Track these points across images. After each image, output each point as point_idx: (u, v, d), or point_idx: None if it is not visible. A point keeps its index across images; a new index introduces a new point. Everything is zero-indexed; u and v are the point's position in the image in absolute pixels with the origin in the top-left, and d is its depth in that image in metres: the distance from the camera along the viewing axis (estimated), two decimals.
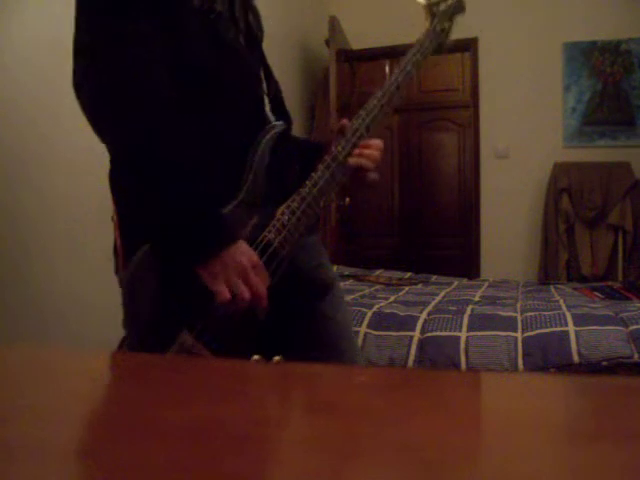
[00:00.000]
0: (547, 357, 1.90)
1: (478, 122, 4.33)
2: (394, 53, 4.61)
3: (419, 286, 3.19)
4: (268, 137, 0.97)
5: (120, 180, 0.89)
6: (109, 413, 0.37)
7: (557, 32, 4.08)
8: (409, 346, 2.02)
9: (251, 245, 0.90)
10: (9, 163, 1.78)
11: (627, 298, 2.57)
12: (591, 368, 1.85)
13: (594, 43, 4.03)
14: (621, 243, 3.88)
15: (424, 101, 4.78)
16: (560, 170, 3.99)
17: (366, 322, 2.14)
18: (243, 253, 0.85)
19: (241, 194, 0.93)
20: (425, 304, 2.43)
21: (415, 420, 0.35)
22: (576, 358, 1.88)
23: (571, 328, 1.96)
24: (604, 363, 1.86)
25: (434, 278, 3.55)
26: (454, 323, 2.09)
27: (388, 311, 2.24)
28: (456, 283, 3.34)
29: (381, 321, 2.15)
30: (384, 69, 4.85)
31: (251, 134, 0.97)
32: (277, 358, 0.92)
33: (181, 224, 0.83)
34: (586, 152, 4.06)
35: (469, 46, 4.28)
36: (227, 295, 0.84)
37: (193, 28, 0.92)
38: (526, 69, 4.15)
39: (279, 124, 1.00)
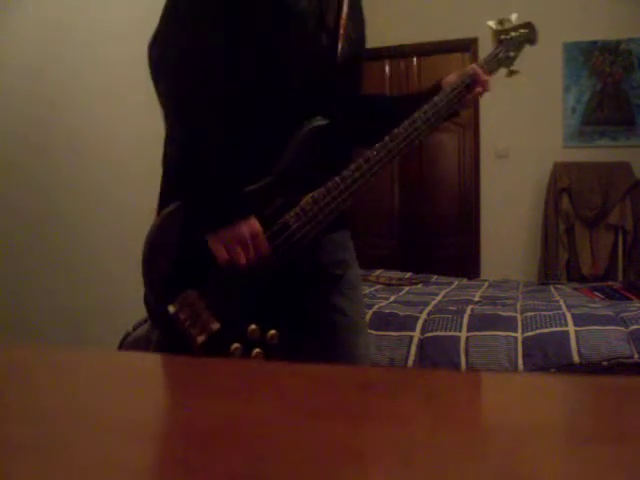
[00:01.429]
0: (547, 357, 1.90)
1: (478, 122, 4.32)
2: (394, 53, 4.61)
3: (419, 286, 3.19)
4: (307, 130, 1.04)
5: (169, 150, 1.03)
6: (106, 413, 0.37)
7: (557, 32, 4.08)
8: (409, 346, 2.03)
9: (270, 224, 1.02)
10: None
11: (627, 298, 2.57)
12: (591, 368, 1.85)
13: (594, 43, 4.03)
14: (621, 243, 3.88)
15: None
16: (560, 170, 3.99)
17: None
18: (247, 226, 0.98)
19: (269, 177, 1.02)
20: (425, 304, 2.43)
21: (414, 420, 0.35)
22: (576, 358, 1.88)
23: (571, 328, 1.96)
24: (604, 363, 1.86)
25: (434, 278, 3.55)
26: (454, 323, 2.09)
27: (388, 311, 2.24)
28: (456, 283, 3.34)
29: (381, 321, 2.15)
30: (384, 69, 4.85)
31: (295, 126, 1.04)
32: (272, 332, 0.99)
33: (203, 199, 0.98)
34: (586, 152, 4.06)
35: (469, 46, 4.28)
36: (225, 256, 0.97)
37: (270, 19, 1.00)
38: (526, 69, 4.14)
39: (320, 119, 1.05)
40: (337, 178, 1.05)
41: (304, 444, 0.31)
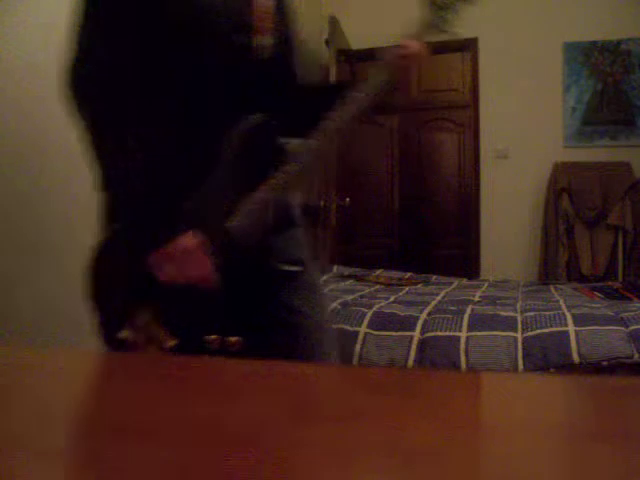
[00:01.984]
0: (547, 357, 1.90)
1: (478, 122, 4.32)
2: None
3: (419, 286, 3.19)
4: (239, 131, 1.01)
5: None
6: (106, 413, 0.37)
7: (557, 32, 4.08)
8: (409, 346, 2.02)
9: (212, 231, 0.98)
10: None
11: (627, 298, 2.57)
12: (591, 368, 1.85)
13: (594, 43, 4.03)
14: (621, 243, 3.87)
15: (424, 101, 4.78)
16: (560, 170, 3.99)
17: (366, 322, 2.14)
18: (185, 242, 0.95)
19: (205, 186, 0.99)
20: (425, 304, 2.43)
21: (414, 420, 0.35)
22: (576, 358, 1.88)
23: (571, 328, 1.96)
24: (604, 363, 1.86)
25: (434, 278, 3.55)
26: (454, 323, 2.09)
27: (388, 311, 2.24)
28: (456, 283, 3.34)
29: (381, 321, 2.15)
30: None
31: (223, 128, 1.00)
32: (233, 339, 0.98)
33: (134, 222, 0.97)
34: (586, 152, 4.06)
35: (469, 46, 4.28)
36: (166, 276, 0.95)
37: (179, 25, 0.98)
38: (526, 69, 4.15)
39: (256, 117, 1.03)
40: (277, 174, 1.01)
41: (304, 444, 0.31)
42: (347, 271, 3.59)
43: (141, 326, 0.96)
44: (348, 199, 3.81)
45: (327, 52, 3.78)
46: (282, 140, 1.13)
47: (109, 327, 0.99)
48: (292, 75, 1.18)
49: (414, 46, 1.10)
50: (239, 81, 1.04)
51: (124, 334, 0.96)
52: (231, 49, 1.03)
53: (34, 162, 1.87)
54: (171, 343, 0.97)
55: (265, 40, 1.06)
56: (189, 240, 0.96)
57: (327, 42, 3.79)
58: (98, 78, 0.97)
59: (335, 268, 3.63)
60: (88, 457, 0.30)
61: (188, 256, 0.95)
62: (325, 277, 3.34)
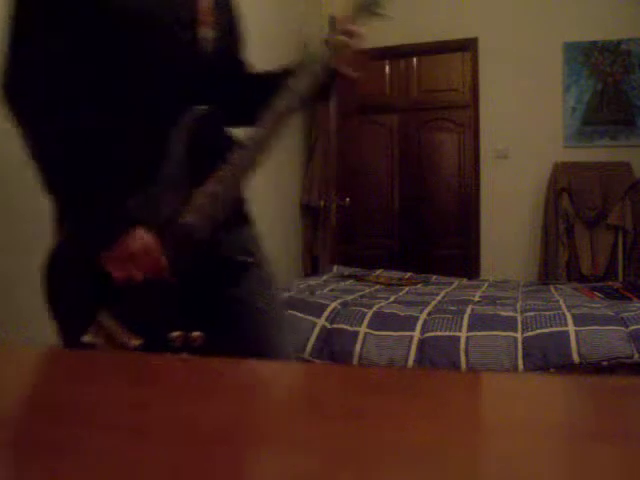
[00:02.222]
0: (547, 357, 1.90)
1: (478, 122, 4.32)
2: (394, 53, 4.61)
3: (419, 286, 3.19)
4: (185, 124, 1.00)
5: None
6: (102, 413, 0.37)
7: (557, 32, 4.08)
8: (409, 346, 2.03)
9: (166, 227, 0.98)
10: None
11: (627, 298, 2.57)
12: (591, 368, 1.85)
13: (594, 43, 4.03)
14: (621, 243, 3.87)
15: (424, 101, 4.78)
16: (560, 170, 3.99)
17: (366, 322, 2.14)
18: (136, 238, 0.95)
19: (154, 182, 0.99)
20: (425, 304, 2.43)
21: (415, 420, 0.35)
22: (576, 358, 1.88)
23: (571, 328, 1.96)
24: (604, 363, 1.86)
25: (434, 278, 3.55)
26: (454, 323, 2.09)
27: (388, 311, 2.24)
28: (456, 283, 3.34)
29: (381, 321, 2.15)
30: (384, 69, 4.85)
31: (169, 122, 0.99)
32: (195, 334, 0.97)
33: (81, 221, 0.97)
34: (586, 152, 4.06)
35: (469, 46, 4.28)
36: (121, 275, 0.94)
37: (116, 22, 0.96)
38: (526, 69, 4.15)
39: (200, 109, 1.02)
40: (225, 165, 1.01)
41: (303, 443, 0.31)
42: (347, 271, 3.59)
43: (103, 328, 0.95)
44: (348, 199, 3.81)
45: (327, 52, 3.78)
46: (229, 131, 1.13)
47: (70, 331, 0.98)
48: (236, 66, 1.18)
49: (351, 28, 1.11)
50: (183, 73, 1.04)
51: (87, 338, 0.95)
52: (174, 42, 1.02)
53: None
54: (135, 343, 0.96)
55: (208, 33, 1.05)
56: (140, 236, 0.95)
57: (327, 42, 3.79)
58: (35, 75, 0.95)
59: (335, 268, 3.63)
60: (82, 456, 0.30)
61: (140, 252, 0.95)
62: (325, 277, 3.34)
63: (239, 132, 1.09)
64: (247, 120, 1.06)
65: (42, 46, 0.95)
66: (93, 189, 0.96)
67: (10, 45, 0.95)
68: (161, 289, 0.98)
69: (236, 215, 1.07)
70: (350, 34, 1.11)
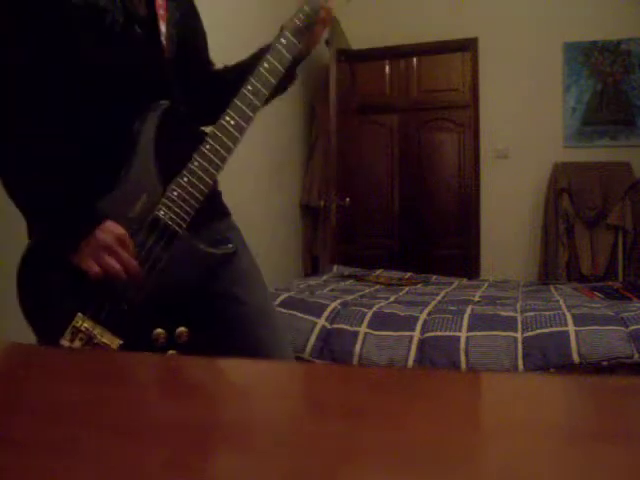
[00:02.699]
0: (547, 357, 1.90)
1: (478, 122, 4.32)
2: (394, 53, 4.61)
3: (419, 286, 3.19)
4: (150, 119, 0.99)
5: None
6: (102, 413, 0.37)
7: (557, 32, 4.08)
8: (409, 346, 2.02)
9: (140, 223, 0.97)
10: None
11: (627, 298, 2.57)
12: (591, 368, 1.85)
13: (594, 43, 4.03)
14: (621, 243, 3.87)
15: (424, 101, 4.78)
16: (560, 170, 3.99)
17: (366, 322, 2.14)
18: (107, 231, 0.93)
19: (124, 178, 0.98)
20: (425, 304, 2.43)
21: (414, 420, 0.35)
22: (576, 358, 1.88)
23: (571, 328, 1.96)
24: (604, 363, 1.86)
25: (434, 278, 3.55)
26: (454, 323, 2.09)
27: (388, 311, 2.24)
28: (456, 283, 3.34)
29: (381, 321, 2.15)
30: (384, 69, 4.85)
31: (133, 118, 0.99)
32: (180, 330, 0.96)
33: (44, 222, 0.96)
34: (586, 152, 4.06)
35: (469, 46, 4.28)
36: (96, 269, 0.93)
37: (75, 23, 0.95)
38: (526, 69, 4.15)
39: (163, 103, 1.01)
40: (196, 156, 1.00)
41: (303, 443, 0.31)
42: (347, 271, 3.59)
43: (81, 331, 0.94)
44: (348, 199, 3.81)
45: (327, 52, 3.79)
46: (199, 123, 1.12)
47: (48, 336, 0.97)
48: (200, 59, 1.17)
49: (329, 4, 1.11)
50: (143, 70, 1.03)
51: (65, 342, 0.93)
52: (132, 38, 1.01)
53: None
54: (116, 344, 0.95)
55: (167, 27, 1.04)
56: (110, 227, 0.94)
57: (327, 42, 3.79)
58: None
59: (335, 268, 3.63)
60: (79, 457, 0.30)
61: (113, 243, 0.94)
62: (325, 277, 3.34)
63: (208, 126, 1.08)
64: (216, 114, 1.05)
65: (4, 51, 0.93)
66: (59, 189, 0.95)
67: None
68: (140, 286, 0.97)
69: (211, 208, 1.06)
70: (324, 9, 1.11)
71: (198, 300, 1.04)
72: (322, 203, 3.84)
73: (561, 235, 3.94)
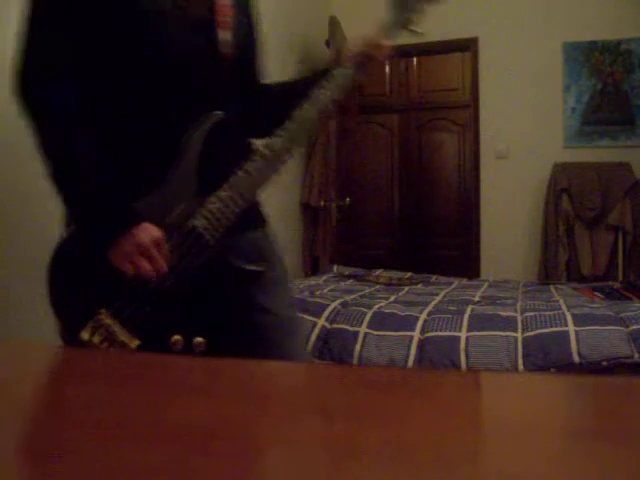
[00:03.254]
0: (547, 357, 1.90)
1: (478, 122, 4.32)
2: (394, 53, 4.61)
3: (419, 286, 3.19)
4: (200, 129, 1.00)
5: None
6: (104, 413, 0.37)
7: (557, 32, 4.08)
8: (409, 346, 2.02)
9: (175, 230, 0.98)
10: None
11: (627, 298, 2.57)
12: (591, 368, 1.85)
13: (594, 43, 4.03)
14: (621, 243, 3.87)
15: (424, 101, 4.78)
16: (560, 170, 3.99)
17: (366, 322, 2.14)
18: (145, 232, 0.94)
19: (165, 184, 0.99)
20: (425, 304, 2.43)
21: (415, 420, 0.35)
22: (576, 358, 1.88)
23: (571, 328, 1.96)
24: (604, 363, 1.86)
25: (434, 278, 3.55)
26: (454, 323, 2.09)
27: (388, 311, 2.24)
28: (456, 283, 3.34)
29: (381, 321, 2.15)
30: (384, 69, 4.85)
31: (184, 126, 0.99)
32: (198, 340, 0.96)
33: (85, 217, 0.97)
34: (586, 152, 4.06)
35: (469, 46, 4.28)
36: (129, 267, 0.94)
37: (133, 24, 0.96)
38: (526, 69, 4.15)
39: (215, 114, 1.01)
40: (240, 172, 1.00)
41: (303, 442, 0.31)
42: (347, 271, 3.58)
43: (102, 326, 0.95)
44: (348, 199, 3.81)
45: (327, 52, 3.78)
46: (245, 138, 1.12)
47: (70, 328, 0.98)
48: (254, 73, 1.16)
49: (383, 45, 1.09)
50: (199, 76, 1.03)
51: (84, 335, 0.95)
52: (190, 44, 1.01)
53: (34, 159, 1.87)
54: (134, 344, 0.96)
55: (226, 36, 1.04)
56: (148, 229, 0.95)
57: (327, 42, 3.79)
58: (49, 68, 0.95)
59: (335, 268, 3.63)
60: (82, 457, 0.30)
61: (149, 244, 0.94)
62: (325, 277, 3.34)
63: (257, 140, 1.09)
64: (263, 130, 1.05)
65: (58, 39, 0.95)
66: (101, 186, 0.96)
67: (27, 35, 0.95)
68: (165, 291, 0.98)
69: (248, 217, 1.05)
70: (379, 48, 1.10)
71: (222, 307, 1.05)
72: (322, 203, 3.84)
73: (561, 235, 3.94)
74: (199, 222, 0.99)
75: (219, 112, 1.01)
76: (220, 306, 1.04)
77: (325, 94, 1.04)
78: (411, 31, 1.14)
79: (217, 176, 1.00)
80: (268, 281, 1.11)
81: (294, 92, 1.08)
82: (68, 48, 0.96)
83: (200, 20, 1.02)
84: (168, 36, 0.98)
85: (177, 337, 0.96)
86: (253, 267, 1.07)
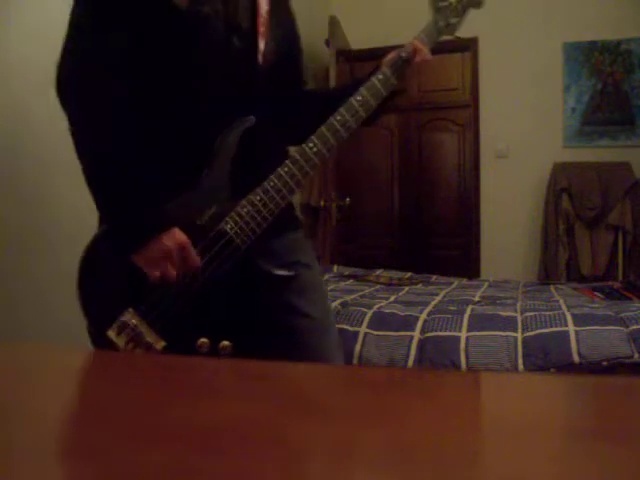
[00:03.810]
0: (547, 357, 1.90)
1: (478, 122, 4.32)
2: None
3: (419, 286, 3.19)
4: (234, 133, 1.00)
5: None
6: (107, 413, 0.37)
7: (557, 32, 4.08)
8: (409, 346, 2.02)
9: (206, 233, 0.98)
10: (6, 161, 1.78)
11: (627, 298, 2.57)
12: (591, 368, 1.85)
13: (594, 43, 4.03)
14: (621, 243, 3.87)
15: (424, 101, 4.77)
16: (560, 170, 3.99)
17: (366, 322, 2.14)
18: (172, 238, 0.95)
19: (198, 187, 0.99)
20: (425, 304, 2.43)
21: (415, 420, 0.35)
22: (576, 358, 1.88)
23: (571, 328, 1.96)
24: (604, 363, 1.86)
25: (434, 278, 3.55)
26: (454, 323, 2.09)
27: (388, 311, 2.24)
28: (456, 283, 3.34)
29: (381, 321, 2.14)
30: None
31: (218, 129, 1.00)
32: (224, 343, 0.97)
33: (118, 220, 0.97)
34: (586, 152, 4.06)
35: (469, 46, 4.28)
36: (155, 272, 0.95)
37: (175, 28, 0.98)
38: (526, 69, 4.15)
39: (248, 119, 1.02)
40: (273, 177, 1.01)
41: (303, 443, 0.31)
42: (347, 271, 3.58)
43: (129, 327, 0.96)
44: (348, 199, 3.81)
45: (327, 52, 3.78)
46: (281, 143, 1.13)
47: (98, 327, 0.99)
48: (293, 78, 1.17)
49: (425, 51, 1.10)
50: (237, 82, 1.04)
51: (111, 333, 0.96)
52: (230, 51, 1.02)
53: (34, 159, 1.87)
54: (160, 345, 0.96)
55: (267, 43, 1.05)
56: (175, 235, 0.95)
57: (327, 42, 3.79)
58: (91, 70, 0.96)
59: (335, 268, 3.63)
60: (84, 457, 0.30)
61: (175, 250, 0.95)
62: (325, 277, 3.34)
63: (293, 146, 1.09)
64: (300, 135, 1.06)
65: (105, 41, 0.96)
66: (134, 187, 0.96)
67: (70, 37, 0.96)
68: (194, 293, 0.98)
69: (281, 221, 1.05)
70: (419, 52, 1.10)
71: (251, 311, 1.05)
72: (322, 203, 3.84)
73: (561, 235, 3.94)
74: (230, 226, 0.99)
75: (252, 117, 1.02)
76: (249, 310, 1.04)
77: (361, 100, 1.05)
78: (452, 36, 1.16)
79: (250, 180, 1.00)
80: (303, 284, 1.11)
81: (333, 98, 1.09)
82: (115, 50, 0.97)
83: (243, 28, 1.03)
84: (211, 41, 1.00)
85: (203, 340, 0.96)
86: (283, 272, 1.07)
